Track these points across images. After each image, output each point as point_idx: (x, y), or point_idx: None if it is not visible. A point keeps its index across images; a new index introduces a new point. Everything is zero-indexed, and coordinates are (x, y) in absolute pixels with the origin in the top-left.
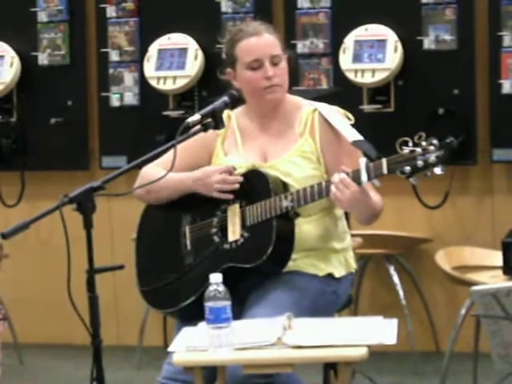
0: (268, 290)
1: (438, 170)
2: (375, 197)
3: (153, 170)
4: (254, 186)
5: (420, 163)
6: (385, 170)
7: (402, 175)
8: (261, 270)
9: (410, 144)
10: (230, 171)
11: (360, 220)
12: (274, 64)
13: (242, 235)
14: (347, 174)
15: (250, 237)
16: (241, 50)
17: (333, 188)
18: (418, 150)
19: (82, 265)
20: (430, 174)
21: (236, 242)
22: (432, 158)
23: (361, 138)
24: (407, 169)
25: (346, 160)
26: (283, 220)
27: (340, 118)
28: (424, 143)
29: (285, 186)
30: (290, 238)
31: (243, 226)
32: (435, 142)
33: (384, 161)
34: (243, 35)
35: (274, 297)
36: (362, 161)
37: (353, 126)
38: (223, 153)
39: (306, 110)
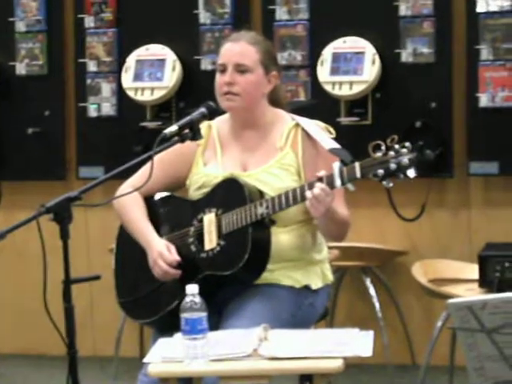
0: (245, 302)
1: (411, 173)
2: (343, 211)
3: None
4: (230, 193)
5: (393, 166)
6: (358, 174)
7: (375, 178)
8: (238, 278)
9: (383, 147)
10: (169, 249)
11: (328, 233)
12: (241, 72)
13: (218, 243)
14: (321, 178)
15: (227, 245)
16: (219, 53)
17: (309, 195)
18: (391, 152)
19: (58, 275)
20: (402, 176)
21: (212, 250)
22: (405, 160)
23: (338, 146)
24: (380, 172)
25: (322, 167)
26: (259, 227)
27: (320, 131)
28: (397, 146)
29: (261, 195)
30: (266, 245)
31: (219, 234)
32: (408, 144)
33: (357, 164)
34: (226, 40)
35: (251, 309)
36: (336, 165)
37: (334, 139)
38: (203, 163)
39: (287, 123)
